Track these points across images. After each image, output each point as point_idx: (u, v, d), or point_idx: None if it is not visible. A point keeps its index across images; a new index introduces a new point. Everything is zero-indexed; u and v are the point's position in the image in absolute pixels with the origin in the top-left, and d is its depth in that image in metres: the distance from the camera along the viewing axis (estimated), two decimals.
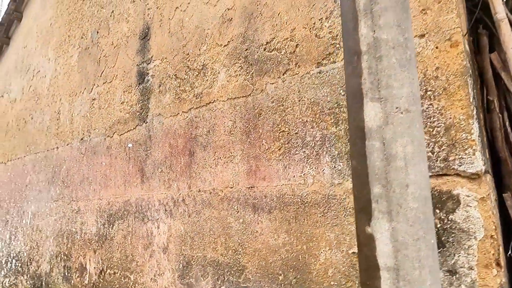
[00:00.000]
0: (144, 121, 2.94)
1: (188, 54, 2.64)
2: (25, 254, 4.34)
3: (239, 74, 2.26)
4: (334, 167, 1.73)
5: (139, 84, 3.07)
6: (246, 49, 2.24)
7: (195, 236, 2.34)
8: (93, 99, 3.64)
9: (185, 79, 2.63)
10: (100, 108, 3.51)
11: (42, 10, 5.10)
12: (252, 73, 2.19)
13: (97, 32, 3.76)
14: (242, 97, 2.22)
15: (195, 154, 2.45)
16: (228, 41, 2.36)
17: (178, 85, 2.68)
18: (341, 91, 1.76)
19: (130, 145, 3.04)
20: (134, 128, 3.03)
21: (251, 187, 2.08)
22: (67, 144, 3.93)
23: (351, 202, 1.65)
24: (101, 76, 3.59)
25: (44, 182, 4.21)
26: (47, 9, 4.97)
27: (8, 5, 5.64)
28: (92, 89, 3.69)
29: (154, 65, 2.94)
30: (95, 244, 3.21)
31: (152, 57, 2.98)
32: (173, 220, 2.52)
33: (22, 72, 5.40)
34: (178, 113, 2.64)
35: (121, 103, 3.24)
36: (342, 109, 1.74)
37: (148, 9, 3.10)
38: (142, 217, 2.78)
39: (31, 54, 5.21)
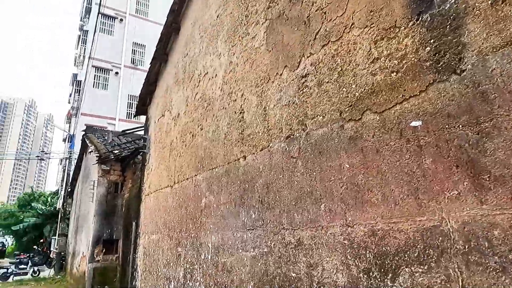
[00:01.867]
0: (454, 71, 1.52)
1: None
2: None
3: None
4: None
5: (420, 14, 1.71)
6: None
7: None
8: (304, 76, 2.46)
9: None
10: (320, 83, 2.29)
11: (205, 8, 4.46)
12: None
13: None
14: None
15: None
16: None
17: None
18: None
19: (416, 123, 1.64)
20: (422, 92, 1.64)
21: None
22: (261, 149, 2.83)
23: None
24: (315, 39, 2.40)
25: (228, 205, 3.19)
26: (210, 4, 4.29)
27: (167, 17, 5.30)
28: (299, 63, 2.53)
29: None
30: None
31: None
32: None
33: (184, 83, 4.82)
34: None
35: (372, 61, 1.92)
36: None
37: None
38: (495, 264, 1.28)
39: (194, 60, 4.57)
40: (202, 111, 4.09)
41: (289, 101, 2.58)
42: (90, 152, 11.26)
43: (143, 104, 6.45)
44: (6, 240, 31.63)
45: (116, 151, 10.49)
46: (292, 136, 2.49)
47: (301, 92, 2.46)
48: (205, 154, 3.82)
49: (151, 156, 5.89)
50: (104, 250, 9.83)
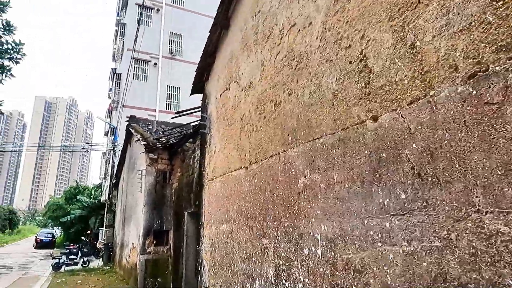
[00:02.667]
0: None
1: None
2: None
3: None
4: None
5: None
6: None
7: None
8: None
9: None
10: None
11: None
12: None
13: None
14: None
15: None
16: None
17: None
18: None
19: None
20: None
21: None
22: (410, 103, 2.00)
23: None
24: None
25: (349, 183, 2.40)
26: None
27: None
28: None
29: None
30: None
31: None
32: None
33: (257, 45, 4.07)
34: None
35: None
36: None
37: None
38: None
39: (271, 15, 3.80)
40: (289, 72, 3.31)
41: (470, 23, 1.73)
42: (137, 141, 10.93)
43: (200, 79, 5.79)
44: (55, 231, 33.12)
45: (163, 139, 10.06)
46: (483, 73, 1.64)
47: (501, 3, 1.60)
48: (299, 123, 3.05)
49: (213, 137, 5.23)
50: (154, 242, 9.46)
